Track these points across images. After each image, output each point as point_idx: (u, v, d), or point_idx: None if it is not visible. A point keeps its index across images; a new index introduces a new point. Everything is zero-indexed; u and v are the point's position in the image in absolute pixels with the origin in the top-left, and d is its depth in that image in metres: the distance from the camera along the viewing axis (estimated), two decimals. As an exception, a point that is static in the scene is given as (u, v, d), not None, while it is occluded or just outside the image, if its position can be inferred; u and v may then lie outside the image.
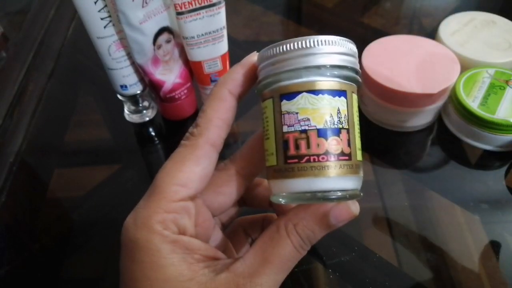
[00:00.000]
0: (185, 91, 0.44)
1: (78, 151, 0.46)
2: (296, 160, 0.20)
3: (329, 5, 0.62)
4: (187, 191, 0.21)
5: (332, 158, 0.19)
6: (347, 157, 0.20)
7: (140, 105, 0.45)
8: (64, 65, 0.56)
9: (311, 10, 0.63)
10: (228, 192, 0.24)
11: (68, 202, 0.40)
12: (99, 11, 0.36)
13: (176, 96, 0.43)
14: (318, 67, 0.20)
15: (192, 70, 0.43)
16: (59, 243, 0.37)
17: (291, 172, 0.20)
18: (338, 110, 0.20)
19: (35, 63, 0.55)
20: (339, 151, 0.20)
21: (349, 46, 0.20)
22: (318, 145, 0.19)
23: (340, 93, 0.20)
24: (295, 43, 0.20)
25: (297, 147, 0.20)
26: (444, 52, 0.43)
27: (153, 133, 0.46)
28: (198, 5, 0.37)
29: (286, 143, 0.20)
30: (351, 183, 0.20)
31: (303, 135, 0.20)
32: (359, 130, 0.21)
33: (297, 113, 0.20)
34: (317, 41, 0.20)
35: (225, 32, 0.41)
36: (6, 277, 0.35)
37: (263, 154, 0.22)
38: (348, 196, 0.20)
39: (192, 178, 0.21)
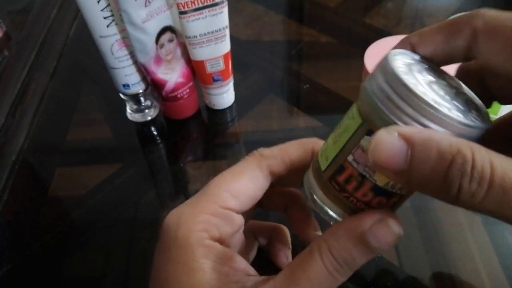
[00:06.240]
0: (187, 91, 0.44)
1: (80, 150, 0.46)
2: (338, 188, 0.19)
3: (331, 4, 0.62)
4: (236, 203, 0.21)
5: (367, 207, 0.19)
6: None
7: (142, 104, 0.45)
8: (66, 64, 0.56)
9: (313, 9, 0.63)
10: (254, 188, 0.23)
11: (70, 201, 0.40)
12: (102, 10, 0.36)
13: (178, 96, 0.43)
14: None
15: (194, 69, 0.43)
16: (60, 241, 0.37)
17: (327, 191, 0.20)
18: None
19: (37, 62, 0.56)
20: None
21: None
22: (365, 195, 0.19)
23: None
24: (436, 106, 0.16)
25: (347, 181, 0.19)
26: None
27: (155, 132, 0.46)
28: (200, 5, 0.37)
29: (342, 168, 0.19)
30: None
31: (360, 179, 0.19)
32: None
33: None
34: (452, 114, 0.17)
35: (227, 32, 0.41)
36: (7, 275, 0.35)
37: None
38: None
39: (244, 192, 0.21)
